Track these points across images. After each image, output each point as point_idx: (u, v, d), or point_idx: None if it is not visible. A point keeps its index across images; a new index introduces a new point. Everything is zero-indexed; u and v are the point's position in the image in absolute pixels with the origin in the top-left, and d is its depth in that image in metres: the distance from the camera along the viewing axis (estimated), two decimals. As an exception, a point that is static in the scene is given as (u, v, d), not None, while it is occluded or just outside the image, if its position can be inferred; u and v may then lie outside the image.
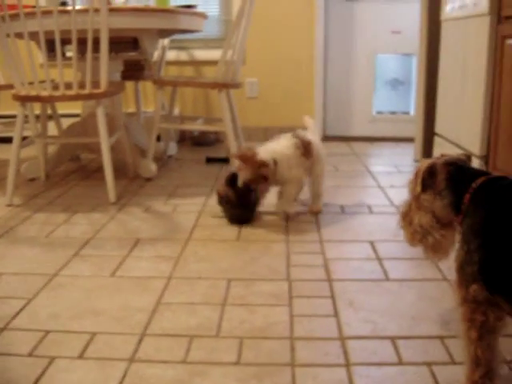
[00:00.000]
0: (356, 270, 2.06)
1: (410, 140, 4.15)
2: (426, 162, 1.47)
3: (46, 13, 2.82)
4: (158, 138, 3.97)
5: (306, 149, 2.61)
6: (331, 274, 2.02)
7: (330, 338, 1.60)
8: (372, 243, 2.32)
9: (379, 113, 4.74)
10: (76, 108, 4.31)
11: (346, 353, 1.52)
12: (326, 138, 4.74)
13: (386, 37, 4.58)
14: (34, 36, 2.95)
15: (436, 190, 1.42)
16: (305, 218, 2.66)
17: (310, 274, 2.03)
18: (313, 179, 2.73)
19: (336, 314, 1.73)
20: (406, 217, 1.53)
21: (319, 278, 1.99)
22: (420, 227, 1.47)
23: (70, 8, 2.81)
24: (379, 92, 4.72)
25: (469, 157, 1.48)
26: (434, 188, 1.43)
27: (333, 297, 1.84)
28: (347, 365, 1.46)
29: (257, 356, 1.51)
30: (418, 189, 1.47)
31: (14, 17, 2.87)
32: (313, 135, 2.74)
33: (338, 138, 4.75)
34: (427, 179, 1.44)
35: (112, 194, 2.95)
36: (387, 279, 1.97)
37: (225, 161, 3.87)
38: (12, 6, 2.89)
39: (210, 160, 3.91)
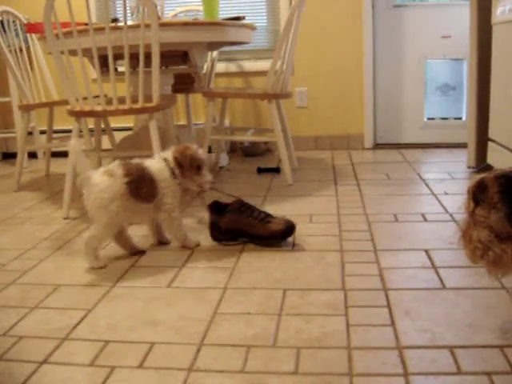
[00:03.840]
0: (412, 278, 2.04)
1: (462, 146, 4.09)
2: (476, 178, 1.47)
3: (99, 30, 2.88)
4: (210, 150, 4.00)
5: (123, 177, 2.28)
6: (386, 283, 2.01)
7: (388, 347, 1.59)
8: (427, 251, 2.29)
9: (430, 119, 4.69)
10: (128, 122, 4.39)
11: (403, 362, 1.50)
12: (377, 146, 4.72)
13: (436, 42, 4.54)
14: (86, 52, 3.02)
15: (490, 204, 1.41)
16: (358, 226, 2.65)
17: (365, 283, 2.02)
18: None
19: (393, 324, 1.72)
20: (465, 234, 1.52)
21: (375, 288, 1.98)
22: (479, 243, 1.46)
23: (121, 24, 2.87)
24: (430, 98, 4.67)
25: None
26: (487, 202, 1.42)
27: (389, 306, 1.83)
28: (405, 374, 1.45)
29: (314, 366, 1.51)
30: (471, 205, 1.46)
31: (68, 34, 2.94)
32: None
33: (389, 145, 4.72)
34: (478, 194, 1.43)
35: (166, 206, 2.99)
36: (443, 288, 1.95)
37: (276, 171, 3.89)
38: (65, 24, 2.97)
39: (261, 170, 3.93)
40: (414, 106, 4.68)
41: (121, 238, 2.44)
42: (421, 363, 1.50)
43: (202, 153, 2.45)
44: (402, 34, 4.59)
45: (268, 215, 2.49)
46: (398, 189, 3.30)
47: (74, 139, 2.27)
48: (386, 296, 1.90)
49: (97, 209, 2.25)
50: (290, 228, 2.44)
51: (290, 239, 2.49)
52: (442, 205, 2.90)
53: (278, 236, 2.43)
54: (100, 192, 2.22)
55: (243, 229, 2.47)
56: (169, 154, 2.42)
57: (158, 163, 2.39)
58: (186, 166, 2.38)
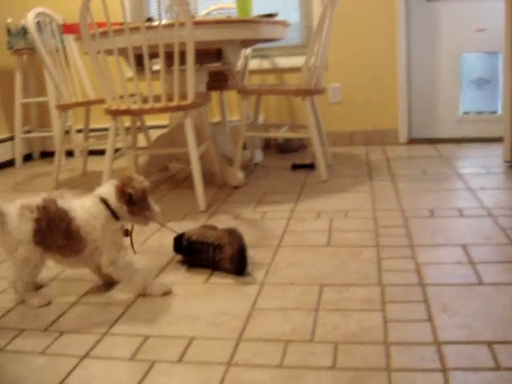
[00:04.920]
0: (449, 274, 2.03)
1: (498, 140, 4.04)
2: None
3: (134, 29, 2.92)
4: (244, 147, 4.02)
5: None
6: (423, 278, 2.00)
7: (425, 342, 1.59)
8: (464, 247, 2.28)
9: (466, 113, 4.64)
10: (163, 119, 4.43)
11: (442, 358, 1.50)
12: (412, 141, 4.69)
13: (471, 35, 4.49)
14: (122, 52, 3.06)
15: None
16: (394, 222, 2.65)
17: (402, 278, 2.02)
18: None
19: (430, 319, 1.71)
20: None
21: (411, 283, 1.97)
22: None
23: (156, 23, 2.90)
24: (465, 92, 4.63)
25: None
26: None
27: (426, 301, 1.83)
28: (444, 370, 1.45)
29: (352, 361, 1.52)
30: None
31: (104, 34, 2.98)
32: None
33: (424, 140, 4.68)
34: None
35: (202, 202, 3.02)
36: (481, 283, 1.94)
37: (310, 167, 3.89)
38: (101, 24, 3.01)
39: (295, 167, 3.94)
40: (449, 100, 4.64)
41: None
42: (459, 359, 1.49)
43: (144, 179, 2.02)
44: (436, 27, 4.55)
45: (216, 247, 2.18)
46: (434, 184, 3.28)
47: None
48: (423, 291, 1.90)
49: (6, 252, 1.97)
50: (240, 259, 2.15)
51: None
52: (479, 200, 2.88)
53: (234, 272, 2.17)
54: (8, 233, 1.92)
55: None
56: (109, 190, 1.97)
57: (91, 208, 1.94)
58: (140, 201, 1.96)
